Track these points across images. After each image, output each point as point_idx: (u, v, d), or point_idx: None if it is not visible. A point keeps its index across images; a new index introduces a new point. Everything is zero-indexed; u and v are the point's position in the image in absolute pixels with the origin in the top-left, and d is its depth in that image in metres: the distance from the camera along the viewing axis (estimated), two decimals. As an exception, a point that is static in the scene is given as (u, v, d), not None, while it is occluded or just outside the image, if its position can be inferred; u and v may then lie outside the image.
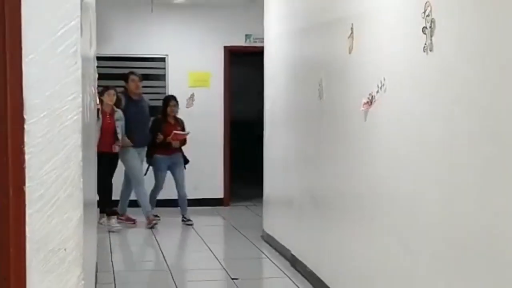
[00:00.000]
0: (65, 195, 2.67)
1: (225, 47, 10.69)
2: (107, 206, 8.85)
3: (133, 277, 7.04)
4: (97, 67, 7.98)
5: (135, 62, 10.45)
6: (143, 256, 8.08)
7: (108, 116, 8.65)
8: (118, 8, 10.25)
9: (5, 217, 2.65)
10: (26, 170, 2.63)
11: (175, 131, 8.98)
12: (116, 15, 10.30)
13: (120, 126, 8.71)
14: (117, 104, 8.81)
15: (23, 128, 2.62)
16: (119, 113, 8.75)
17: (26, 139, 2.62)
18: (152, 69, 10.52)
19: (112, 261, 7.31)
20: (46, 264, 2.67)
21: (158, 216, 9.22)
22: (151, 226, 8.90)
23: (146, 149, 9.12)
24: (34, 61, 2.62)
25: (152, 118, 9.28)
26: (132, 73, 9.13)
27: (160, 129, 8.98)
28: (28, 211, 2.65)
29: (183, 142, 9.22)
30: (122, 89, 9.14)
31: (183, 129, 9.20)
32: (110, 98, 8.65)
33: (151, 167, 9.21)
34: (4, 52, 2.63)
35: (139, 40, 10.46)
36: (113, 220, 8.80)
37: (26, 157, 2.63)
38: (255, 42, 10.44)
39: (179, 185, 9.19)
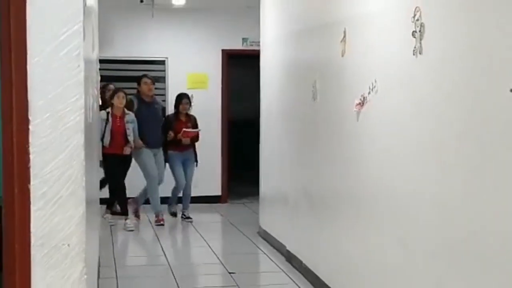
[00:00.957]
0: (68, 193, 2.68)
1: (222, 50, 10.70)
2: (122, 207, 8.73)
3: (135, 271, 7.04)
4: (100, 69, 7.98)
5: (136, 64, 10.45)
6: (144, 251, 8.08)
7: (118, 119, 8.51)
8: (120, 13, 10.25)
9: (11, 214, 2.66)
10: (31, 169, 2.64)
11: (184, 129, 8.89)
12: (118, 20, 10.30)
13: (131, 128, 8.56)
14: (129, 107, 8.69)
15: (28, 129, 2.62)
16: (130, 116, 8.61)
17: (30, 139, 2.63)
18: (153, 71, 10.49)
19: (114, 256, 7.32)
20: (50, 259, 2.67)
21: (175, 215, 9.32)
22: (159, 223, 8.83)
23: (161, 150, 9.01)
24: (38, 64, 2.63)
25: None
26: (145, 76, 9.04)
27: (172, 127, 8.90)
28: (32, 208, 2.65)
29: (195, 139, 9.14)
30: (134, 91, 9.08)
31: (194, 126, 9.09)
32: (119, 100, 8.49)
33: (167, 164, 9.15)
34: (9, 55, 2.64)
35: (140, 44, 10.46)
36: (129, 220, 8.70)
37: (31, 156, 2.63)
38: (252, 45, 10.44)
39: (186, 183, 9.13)
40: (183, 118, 9.03)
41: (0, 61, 2.66)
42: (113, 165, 8.46)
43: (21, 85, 2.65)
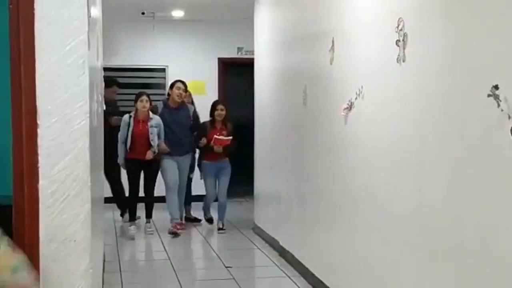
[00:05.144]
0: (75, 192, 2.68)
1: (219, 58, 10.73)
2: (130, 213, 8.22)
3: (137, 265, 7.03)
4: (104, 76, 7.96)
5: (138, 72, 10.47)
6: (146, 247, 8.06)
7: (141, 123, 7.88)
8: (123, 24, 10.25)
9: (21, 212, 2.66)
10: (40, 170, 2.64)
11: (215, 136, 8.05)
12: (121, 31, 10.31)
13: (155, 132, 7.86)
14: (154, 112, 8.04)
15: (36, 132, 2.63)
16: (155, 120, 7.94)
17: (39, 141, 2.63)
18: (154, 79, 10.54)
19: (118, 251, 7.30)
20: (58, 254, 2.67)
21: (198, 219, 8.95)
22: (172, 232, 8.08)
23: (186, 158, 8.36)
24: (46, 72, 2.63)
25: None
26: (180, 81, 8.35)
27: (206, 134, 8.16)
28: (41, 206, 2.66)
29: (229, 147, 8.22)
30: (164, 96, 8.72)
31: (230, 134, 8.21)
32: (143, 104, 7.85)
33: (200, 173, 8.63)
34: (19, 64, 2.64)
35: (142, 53, 10.47)
36: (133, 226, 8.16)
37: (39, 158, 2.64)
38: (246, 54, 10.44)
39: (219, 192, 8.51)
40: (218, 126, 8.25)
41: (11, 69, 2.67)
42: (132, 171, 7.97)
43: (30, 91, 2.65)
